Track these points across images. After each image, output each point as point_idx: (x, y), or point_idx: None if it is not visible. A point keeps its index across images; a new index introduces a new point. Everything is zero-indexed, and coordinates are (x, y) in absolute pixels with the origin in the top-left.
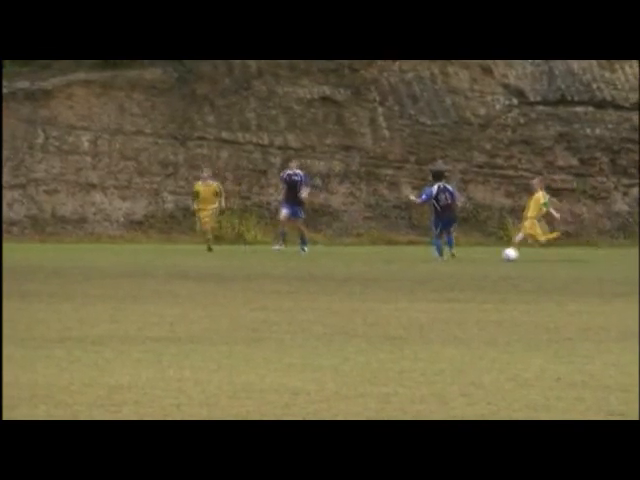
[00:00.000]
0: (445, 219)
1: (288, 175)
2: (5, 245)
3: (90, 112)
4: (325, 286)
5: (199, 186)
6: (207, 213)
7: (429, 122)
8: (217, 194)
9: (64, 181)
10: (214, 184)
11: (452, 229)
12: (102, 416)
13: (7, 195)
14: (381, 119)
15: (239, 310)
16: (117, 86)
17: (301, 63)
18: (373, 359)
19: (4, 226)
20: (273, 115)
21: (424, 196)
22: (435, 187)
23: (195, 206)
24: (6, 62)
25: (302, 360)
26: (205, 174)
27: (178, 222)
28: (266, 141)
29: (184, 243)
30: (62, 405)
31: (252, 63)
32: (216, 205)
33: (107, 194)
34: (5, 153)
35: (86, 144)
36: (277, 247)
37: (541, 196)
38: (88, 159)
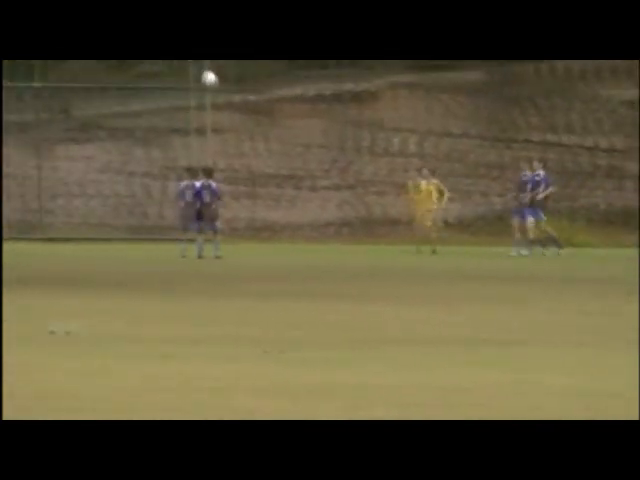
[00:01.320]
0: None
1: (532, 176)
2: (331, 247)
3: (415, 114)
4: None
5: (420, 184)
6: (427, 214)
7: None
8: (440, 192)
9: (391, 183)
10: (435, 182)
11: None
12: (438, 416)
13: (337, 196)
14: None
15: (565, 313)
16: (440, 88)
17: (622, 64)
18: None
19: (334, 227)
20: (598, 117)
21: None
22: None
23: (414, 204)
24: (331, 62)
25: None
26: (425, 171)
27: (507, 224)
28: (591, 143)
29: (509, 245)
30: (396, 405)
31: (574, 65)
32: (436, 205)
33: None
34: (332, 154)
35: (412, 146)
36: (526, 251)
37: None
38: (415, 161)
